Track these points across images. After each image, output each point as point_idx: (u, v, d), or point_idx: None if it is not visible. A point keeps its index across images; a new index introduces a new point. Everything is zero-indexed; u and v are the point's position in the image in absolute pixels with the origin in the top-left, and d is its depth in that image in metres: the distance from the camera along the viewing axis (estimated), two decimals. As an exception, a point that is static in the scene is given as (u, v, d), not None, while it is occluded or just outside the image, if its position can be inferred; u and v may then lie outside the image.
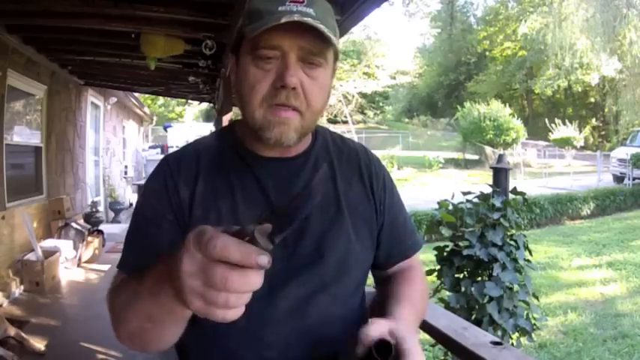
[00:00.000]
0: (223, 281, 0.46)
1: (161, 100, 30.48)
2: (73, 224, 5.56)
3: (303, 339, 0.80)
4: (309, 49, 0.76)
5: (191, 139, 0.98)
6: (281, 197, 0.83)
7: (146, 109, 12.57)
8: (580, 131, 22.85)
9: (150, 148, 16.61)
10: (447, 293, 2.65)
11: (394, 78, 36.06)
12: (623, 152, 14.17)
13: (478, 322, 2.43)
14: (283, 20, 0.71)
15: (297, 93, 0.76)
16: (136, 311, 0.65)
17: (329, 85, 0.83)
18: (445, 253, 2.72)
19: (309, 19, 0.72)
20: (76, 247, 5.27)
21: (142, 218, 0.84)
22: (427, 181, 16.93)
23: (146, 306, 0.62)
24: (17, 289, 4.19)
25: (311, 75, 0.78)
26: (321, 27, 0.72)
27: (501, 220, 2.59)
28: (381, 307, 0.87)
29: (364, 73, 33.21)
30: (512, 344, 2.47)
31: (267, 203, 0.83)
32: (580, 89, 27.44)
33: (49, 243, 5.02)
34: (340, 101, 26.27)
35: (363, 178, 0.92)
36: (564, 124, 22.67)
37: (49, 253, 4.60)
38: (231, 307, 0.48)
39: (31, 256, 4.46)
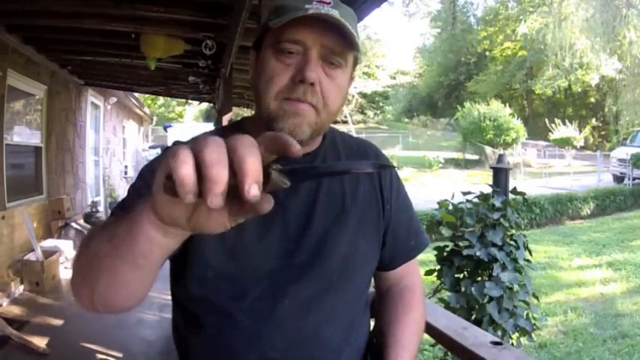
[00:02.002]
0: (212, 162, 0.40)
1: (161, 100, 30.50)
2: (73, 224, 5.57)
3: (308, 339, 0.80)
4: (331, 48, 0.76)
5: None
6: (289, 195, 0.83)
7: (146, 109, 12.57)
8: (580, 131, 22.86)
9: (150, 148, 16.65)
10: (447, 293, 2.65)
11: (394, 78, 36.13)
12: (623, 152, 14.16)
13: (478, 322, 2.43)
14: (310, 12, 0.72)
15: (314, 90, 0.76)
16: (104, 241, 0.57)
17: (346, 88, 0.83)
18: (445, 253, 2.71)
19: (335, 14, 0.73)
20: (76, 247, 5.27)
21: (138, 195, 0.76)
22: (427, 181, 16.93)
23: (115, 230, 0.55)
24: (17, 289, 4.19)
25: (330, 74, 0.78)
26: (346, 25, 0.73)
27: (501, 220, 2.59)
28: (379, 344, 0.88)
29: (364, 73, 33.26)
30: (512, 344, 2.47)
31: (275, 201, 0.82)
32: (580, 89, 27.44)
33: (49, 243, 5.03)
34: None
35: (371, 177, 0.91)
36: (564, 124, 22.69)
37: (49, 253, 4.60)
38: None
39: (31, 256, 4.46)
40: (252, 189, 0.40)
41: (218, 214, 0.45)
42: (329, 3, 0.75)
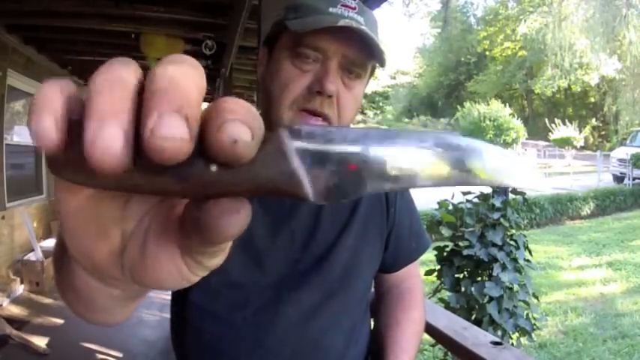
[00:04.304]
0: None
1: (161, 100, 30.46)
2: (73, 224, 5.56)
3: (310, 348, 0.79)
4: (353, 60, 0.72)
5: None
6: (295, 203, 0.81)
7: (146, 109, 12.59)
8: (580, 131, 22.85)
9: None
10: (447, 293, 2.65)
11: (394, 78, 36.17)
12: (623, 152, 14.15)
13: (478, 322, 2.43)
14: (340, 23, 0.67)
15: (331, 101, 0.72)
16: (53, 261, 0.38)
17: (362, 98, 0.79)
18: (445, 253, 2.72)
19: (365, 29, 0.69)
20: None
21: None
22: (427, 181, 16.90)
23: (57, 256, 0.36)
24: (17, 289, 4.19)
25: (348, 85, 0.74)
26: (373, 37, 0.70)
27: (501, 220, 2.59)
28: (379, 346, 0.87)
29: (364, 73, 33.25)
30: (512, 344, 2.47)
31: (281, 208, 0.81)
32: (580, 89, 27.44)
33: (49, 243, 5.02)
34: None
35: None
36: (564, 124, 22.69)
37: (49, 253, 4.60)
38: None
39: (31, 256, 4.46)
40: (165, 123, 0.19)
41: (159, 250, 0.25)
42: (354, 8, 0.71)
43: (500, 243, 2.56)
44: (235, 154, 0.20)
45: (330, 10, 0.70)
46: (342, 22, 0.67)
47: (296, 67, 0.72)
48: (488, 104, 21.79)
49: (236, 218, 0.21)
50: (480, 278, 2.59)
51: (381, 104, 37.53)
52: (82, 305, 0.37)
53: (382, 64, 0.75)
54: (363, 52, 0.72)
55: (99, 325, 0.44)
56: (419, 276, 1.00)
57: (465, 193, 2.82)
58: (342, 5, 0.70)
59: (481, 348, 1.00)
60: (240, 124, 0.20)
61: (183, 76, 0.20)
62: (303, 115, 0.71)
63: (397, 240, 0.91)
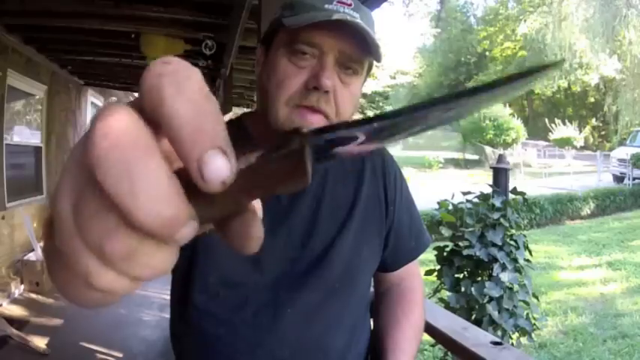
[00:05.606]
0: (100, 237, 0.20)
1: (161, 100, 30.46)
2: (73, 224, 5.56)
3: (311, 349, 0.78)
4: (349, 55, 0.72)
5: None
6: (293, 201, 0.80)
7: (146, 109, 12.59)
8: (580, 131, 22.89)
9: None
10: (447, 293, 2.65)
11: (394, 78, 36.17)
12: (623, 152, 14.16)
13: (478, 322, 2.43)
14: (335, 17, 0.67)
15: (328, 97, 0.71)
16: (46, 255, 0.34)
17: (359, 95, 0.78)
18: (445, 253, 2.72)
19: (360, 22, 0.69)
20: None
21: None
22: (427, 181, 16.93)
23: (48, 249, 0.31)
24: (17, 289, 4.19)
25: (345, 81, 0.73)
26: (370, 32, 0.69)
27: (501, 220, 2.59)
28: (379, 347, 0.86)
29: (364, 73, 33.24)
30: (512, 344, 2.47)
31: (279, 206, 0.80)
32: (580, 89, 27.45)
33: (49, 243, 5.03)
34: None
35: (375, 177, 0.88)
36: (564, 124, 22.70)
37: (49, 253, 4.60)
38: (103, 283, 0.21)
39: (31, 256, 4.46)
40: (212, 168, 0.19)
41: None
42: (350, 4, 0.71)
43: (500, 243, 2.56)
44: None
45: (326, 6, 0.70)
46: (336, 16, 0.68)
47: (292, 63, 0.72)
48: (488, 104, 21.81)
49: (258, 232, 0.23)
50: (480, 278, 2.59)
51: (381, 104, 37.52)
52: (70, 273, 0.34)
53: (378, 59, 0.74)
54: (359, 47, 0.71)
55: (85, 303, 0.43)
56: (419, 275, 0.99)
57: (465, 193, 2.82)
58: (338, 2, 0.71)
59: (481, 348, 1.00)
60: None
61: (200, 100, 0.20)
62: (300, 111, 0.71)
63: (397, 238, 0.90)
